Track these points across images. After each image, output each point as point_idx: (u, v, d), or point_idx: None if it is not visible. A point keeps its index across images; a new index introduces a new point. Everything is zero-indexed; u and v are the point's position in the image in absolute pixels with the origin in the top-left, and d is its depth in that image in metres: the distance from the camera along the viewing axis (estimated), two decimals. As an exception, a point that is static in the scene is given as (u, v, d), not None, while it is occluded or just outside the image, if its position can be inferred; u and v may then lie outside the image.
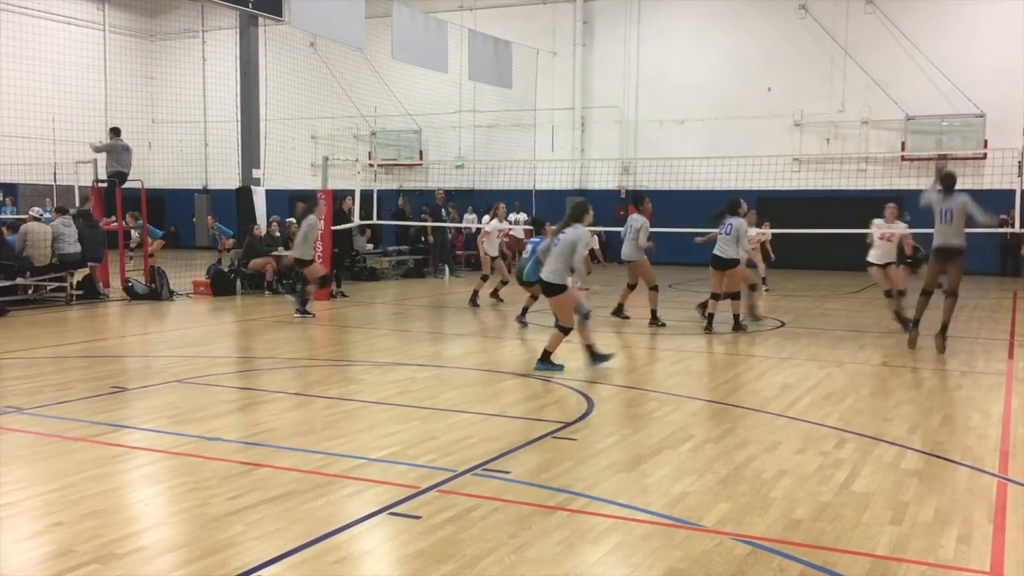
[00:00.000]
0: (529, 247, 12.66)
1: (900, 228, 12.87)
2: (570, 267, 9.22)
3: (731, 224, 12.16)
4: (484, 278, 16.16)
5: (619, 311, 13.65)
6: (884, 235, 12.77)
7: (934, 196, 10.83)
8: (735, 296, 12.45)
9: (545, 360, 9.40)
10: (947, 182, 10.77)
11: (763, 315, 13.67)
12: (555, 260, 9.20)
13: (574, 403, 7.93)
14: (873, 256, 12.84)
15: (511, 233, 23.04)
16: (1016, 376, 9.49)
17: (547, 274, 9.28)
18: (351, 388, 8.69)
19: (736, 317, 12.37)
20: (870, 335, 12.49)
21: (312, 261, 14.09)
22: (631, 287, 13.53)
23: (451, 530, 4.74)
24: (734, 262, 12.23)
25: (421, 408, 7.68)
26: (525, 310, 13.25)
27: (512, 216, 23.96)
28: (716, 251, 12.32)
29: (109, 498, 5.28)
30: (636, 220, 13.24)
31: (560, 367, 9.37)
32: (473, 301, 15.65)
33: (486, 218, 18.78)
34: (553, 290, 9.26)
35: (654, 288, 13.19)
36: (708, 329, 12.26)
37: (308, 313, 13.81)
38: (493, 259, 16.43)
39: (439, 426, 7.06)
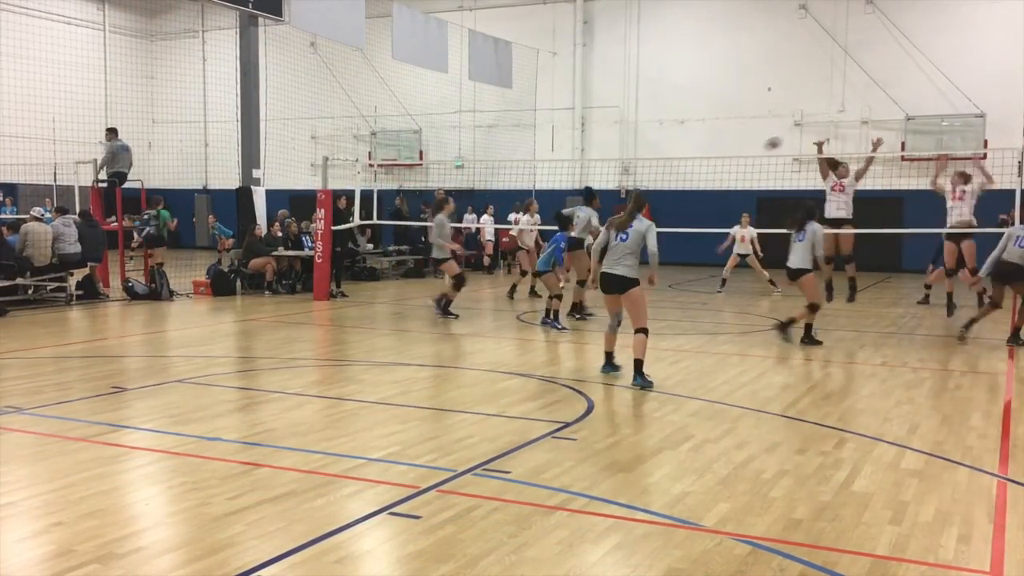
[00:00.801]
0: (551, 243, 13.00)
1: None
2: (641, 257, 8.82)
3: (807, 231, 11.23)
4: (523, 273, 17.28)
5: (578, 309, 13.61)
6: (956, 195, 13.10)
7: None
8: (811, 308, 11.42)
9: (640, 373, 8.61)
10: None
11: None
12: (629, 256, 8.76)
13: (574, 403, 7.93)
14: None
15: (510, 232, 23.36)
16: (1016, 376, 9.49)
17: (623, 269, 8.69)
18: (351, 388, 8.69)
19: (790, 322, 11.56)
20: (870, 335, 12.48)
21: (448, 259, 14.13)
22: (580, 283, 13.46)
23: (451, 530, 4.74)
24: (802, 271, 11.34)
25: (421, 408, 7.69)
26: (554, 312, 12.82)
27: (484, 217, 24.10)
28: (789, 261, 11.45)
29: (109, 498, 5.28)
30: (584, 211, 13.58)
31: (651, 383, 8.58)
32: (532, 293, 16.83)
33: (521, 216, 19.22)
34: (628, 284, 8.70)
35: (581, 283, 13.27)
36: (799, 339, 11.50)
37: (450, 314, 13.80)
38: (528, 252, 17.34)
39: (439, 426, 7.06)
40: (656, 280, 8.96)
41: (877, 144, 13.48)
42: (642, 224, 8.82)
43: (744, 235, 18.22)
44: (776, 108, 25.07)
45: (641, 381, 8.59)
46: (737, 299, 17.32)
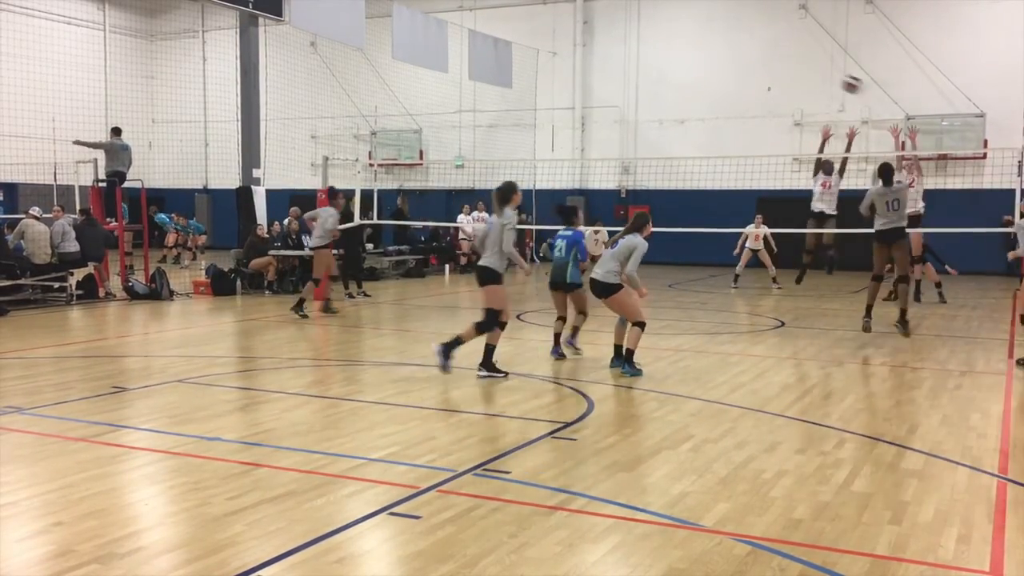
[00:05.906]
0: (561, 243, 10.14)
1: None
2: (623, 270, 9.29)
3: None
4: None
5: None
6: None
7: None
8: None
9: (630, 362, 9.28)
10: None
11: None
12: (611, 261, 9.32)
13: (574, 403, 7.93)
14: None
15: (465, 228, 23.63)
16: (1016, 376, 9.49)
17: (604, 274, 9.34)
18: (351, 388, 8.70)
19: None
20: (870, 335, 12.45)
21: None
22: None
23: (451, 530, 4.74)
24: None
25: (421, 408, 7.69)
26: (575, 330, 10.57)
27: (475, 214, 24.02)
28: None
29: (109, 498, 5.28)
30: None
31: (640, 372, 9.21)
32: None
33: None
34: (610, 290, 9.30)
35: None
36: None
37: None
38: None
39: (439, 426, 7.06)
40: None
41: (852, 136, 14.44)
42: (633, 240, 9.34)
43: (758, 234, 19.00)
44: (776, 108, 25.07)
45: (628, 370, 9.24)
46: (737, 299, 17.34)
